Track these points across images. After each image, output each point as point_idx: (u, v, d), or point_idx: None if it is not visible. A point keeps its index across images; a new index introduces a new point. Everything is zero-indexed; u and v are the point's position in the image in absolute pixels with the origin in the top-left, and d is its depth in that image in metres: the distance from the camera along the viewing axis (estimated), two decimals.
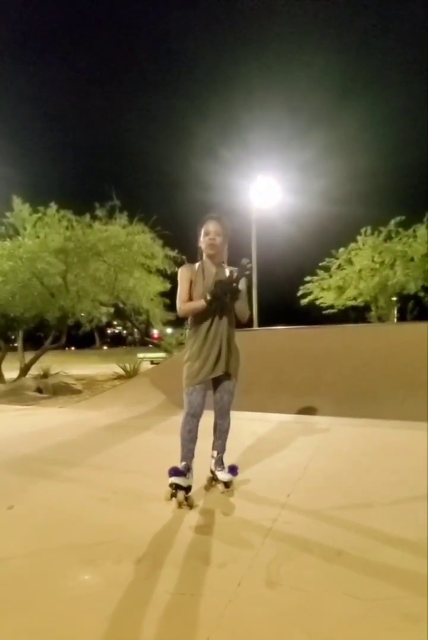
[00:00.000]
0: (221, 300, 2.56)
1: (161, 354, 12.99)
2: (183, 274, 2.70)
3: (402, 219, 13.12)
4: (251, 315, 15.58)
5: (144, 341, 13.97)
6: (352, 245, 13.91)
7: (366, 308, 14.93)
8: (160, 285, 11.19)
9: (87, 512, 2.46)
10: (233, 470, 2.80)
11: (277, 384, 6.10)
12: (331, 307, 14.77)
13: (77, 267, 9.40)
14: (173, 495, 2.50)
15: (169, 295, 11.03)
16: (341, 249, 14.16)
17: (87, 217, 9.83)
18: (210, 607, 1.56)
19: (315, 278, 14.73)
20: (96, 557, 1.96)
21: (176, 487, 2.48)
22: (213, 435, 2.84)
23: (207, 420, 2.74)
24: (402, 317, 16.33)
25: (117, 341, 56.18)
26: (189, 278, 2.68)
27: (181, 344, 11.58)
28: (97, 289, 9.82)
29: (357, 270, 13.68)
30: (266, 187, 17.33)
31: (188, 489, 2.52)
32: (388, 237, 13.36)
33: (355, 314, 16.20)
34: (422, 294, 13.52)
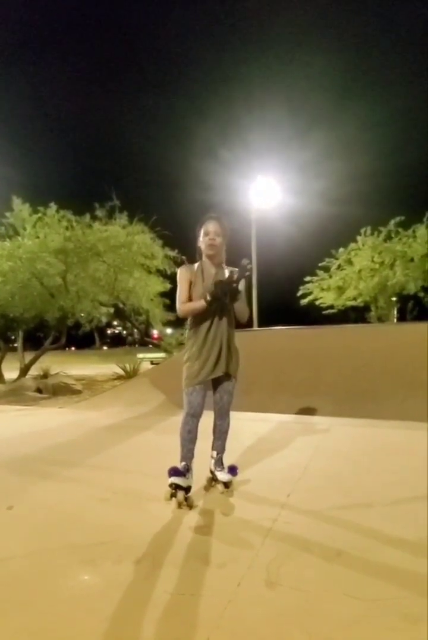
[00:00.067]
0: (221, 300, 2.56)
1: (161, 354, 12.99)
2: (182, 275, 2.70)
3: (401, 219, 13.12)
4: (251, 315, 15.59)
5: (144, 341, 13.97)
6: (352, 245, 13.91)
7: (366, 308, 14.93)
8: (160, 285, 11.19)
9: (87, 513, 2.46)
10: (232, 470, 2.80)
11: (277, 384, 6.10)
12: (331, 307, 14.77)
13: (77, 268, 9.40)
14: (173, 495, 2.50)
15: (169, 296, 11.03)
16: (341, 249, 14.17)
17: (87, 217, 9.83)
18: (210, 608, 1.56)
19: (315, 278, 14.72)
20: (96, 557, 1.96)
21: (176, 487, 2.48)
22: (212, 436, 2.84)
23: (207, 420, 2.74)
24: (401, 318, 16.35)
25: (117, 341, 56.18)
26: (188, 278, 2.68)
27: (181, 344, 11.57)
28: (97, 289, 9.82)
29: (357, 270, 13.68)
30: (266, 188, 17.34)
31: (187, 489, 2.51)
32: (388, 238, 13.37)
33: (355, 314, 16.20)
34: (421, 294, 13.52)
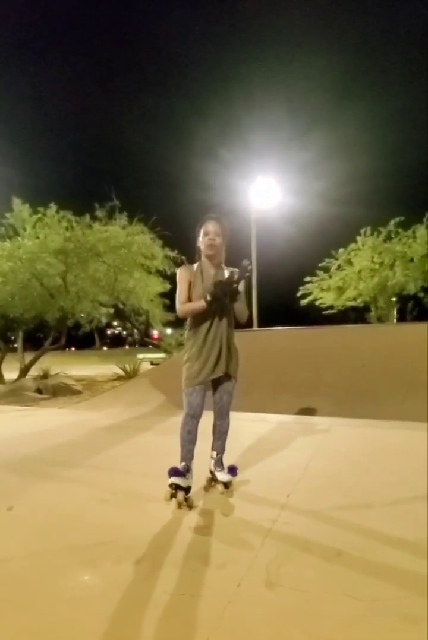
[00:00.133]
0: (221, 301, 2.56)
1: (161, 355, 12.99)
2: (182, 275, 2.70)
3: (401, 220, 13.13)
4: (251, 315, 15.61)
5: (144, 342, 13.97)
6: (352, 245, 13.91)
7: (366, 308, 14.94)
8: (160, 285, 11.19)
9: (86, 513, 2.46)
10: (232, 470, 2.80)
11: (277, 385, 6.10)
12: (331, 307, 14.77)
13: (77, 268, 9.40)
14: (173, 495, 2.50)
15: (169, 296, 11.03)
16: (341, 250, 14.17)
17: (87, 217, 9.84)
18: (209, 608, 1.56)
19: (315, 279, 14.72)
20: (96, 557, 1.96)
21: (176, 487, 2.48)
22: (212, 436, 2.84)
23: (207, 420, 2.74)
24: (401, 318, 16.35)
25: (117, 342, 56.24)
26: (188, 279, 2.68)
27: (180, 344, 11.57)
28: (97, 290, 9.82)
29: (357, 270, 13.69)
30: (266, 188, 17.34)
31: (187, 489, 2.51)
32: (388, 238, 13.37)
33: (355, 315, 16.20)
34: (421, 294, 13.52)
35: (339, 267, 14.25)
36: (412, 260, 12.94)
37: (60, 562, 1.93)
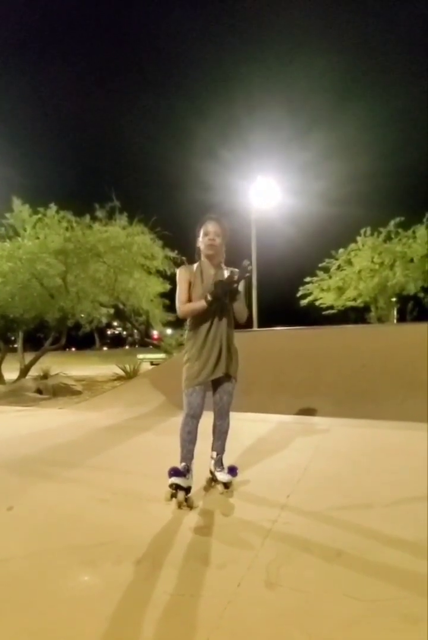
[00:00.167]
0: (221, 300, 2.56)
1: (161, 355, 12.99)
2: (182, 275, 2.70)
3: (401, 220, 13.14)
4: (251, 315, 15.61)
5: (144, 342, 13.97)
6: (352, 246, 13.92)
7: (366, 309, 14.94)
8: (160, 286, 11.20)
9: (87, 513, 2.46)
10: (232, 471, 2.80)
11: (277, 385, 6.10)
12: (331, 307, 14.78)
13: (77, 268, 9.41)
14: (173, 495, 2.49)
15: (169, 296, 11.03)
16: (341, 250, 14.18)
17: (87, 218, 9.85)
18: (209, 608, 1.56)
19: (315, 279, 14.73)
20: (96, 558, 1.96)
21: (176, 487, 2.48)
22: (212, 436, 2.84)
23: (207, 421, 2.74)
24: (401, 318, 16.34)
25: (117, 342, 56.24)
26: (188, 279, 2.68)
27: (180, 344, 11.57)
28: (97, 290, 9.83)
29: (357, 271, 13.70)
30: (266, 188, 17.35)
31: (187, 489, 2.51)
32: (388, 238, 13.38)
33: (355, 315, 16.20)
34: (421, 294, 13.53)
35: (339, 268, 14.26)
36: (412, 260, 12.95)
37: (60, 562, 1.93)
